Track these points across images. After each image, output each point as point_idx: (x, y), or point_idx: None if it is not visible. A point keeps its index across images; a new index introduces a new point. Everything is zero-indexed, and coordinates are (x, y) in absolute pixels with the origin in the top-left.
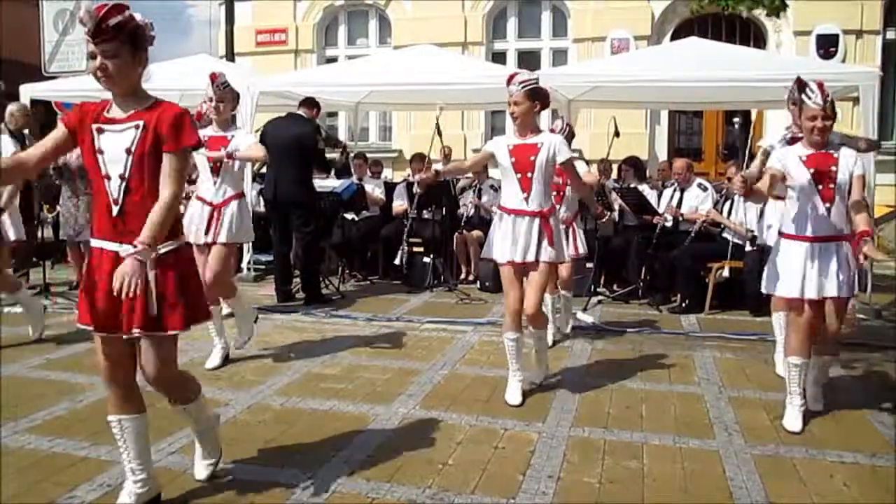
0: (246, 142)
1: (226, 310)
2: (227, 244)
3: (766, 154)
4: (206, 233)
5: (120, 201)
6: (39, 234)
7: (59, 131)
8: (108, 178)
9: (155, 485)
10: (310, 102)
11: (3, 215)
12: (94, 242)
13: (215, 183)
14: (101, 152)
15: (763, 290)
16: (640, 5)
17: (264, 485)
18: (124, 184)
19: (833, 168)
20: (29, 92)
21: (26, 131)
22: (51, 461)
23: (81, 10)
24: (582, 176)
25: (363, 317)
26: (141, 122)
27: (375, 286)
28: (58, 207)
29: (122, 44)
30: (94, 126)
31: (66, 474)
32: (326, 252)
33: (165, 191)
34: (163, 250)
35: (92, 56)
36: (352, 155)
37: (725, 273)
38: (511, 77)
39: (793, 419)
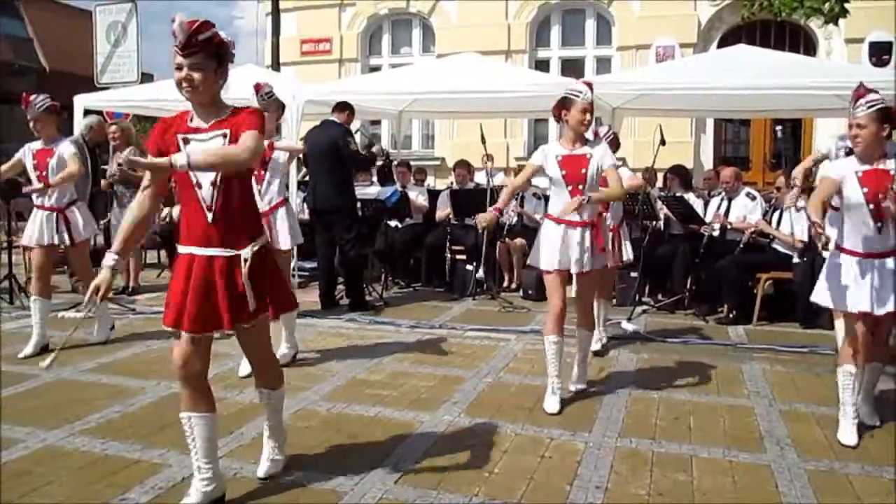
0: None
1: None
2: (287, 251)
3: (820, 159)
4: None
5: (214, 207)
6: (92, 241)
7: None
8: (200, 186)
9: (221, 484)
10: (341, 107)
11: (76, 217)
12: (184, 249)
13: (260, 190)
14: None
15: (811, 299)
16: (686, 13)
17: (311, 491)
18: (216, 190)
19: (889, 186)
20: (83, 102)
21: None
22: (104, 463)
23: (175, 24)
24: (627, 180)
25: (406, 324)
26: (227, 131)
27: (418, 293)
28: (108, 215)
29: (208, 57)
30: (181, 136)
31: (119, 476)
32: (370, 259)
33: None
34: (255, 248)
35: (178, 67)
36: (395, 163)
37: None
38: (591, 85)
39: (847, 432)
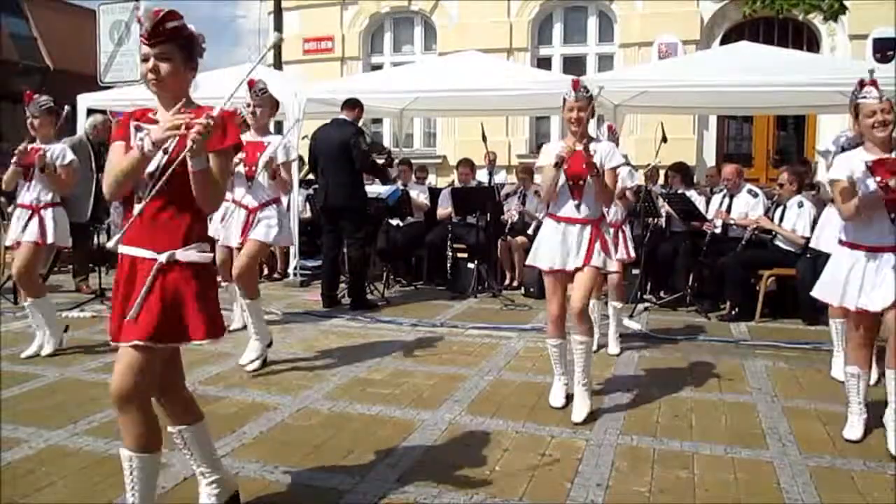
0: (281, 149)
1: (236, 323)
2: (260, 242)
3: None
4: (242, 234)
5: (145, 198)
6: (96, 240)
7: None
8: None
9: (230, 482)
10: (350, 104)
11: (47, 218)
12: (120, 248)
13: (249, 187)
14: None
15: (812, 294)
16: (688, 10)
17: (312, 489)
18: (153, 182)
19: None
20: (86, 101)
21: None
22: (108, 463)
23: (140, 11)
24: (623, 181)
25: (408, 322)
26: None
27: (420, 292)
28: (112, 212)
29: (177, 48)
30: (133, 123)
31: (123, 476)
32: (371, 258)
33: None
34: (187, 258)
35: (145, 58)
36: (396, 161)
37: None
38: (577, 83)
39: (849, 427)
